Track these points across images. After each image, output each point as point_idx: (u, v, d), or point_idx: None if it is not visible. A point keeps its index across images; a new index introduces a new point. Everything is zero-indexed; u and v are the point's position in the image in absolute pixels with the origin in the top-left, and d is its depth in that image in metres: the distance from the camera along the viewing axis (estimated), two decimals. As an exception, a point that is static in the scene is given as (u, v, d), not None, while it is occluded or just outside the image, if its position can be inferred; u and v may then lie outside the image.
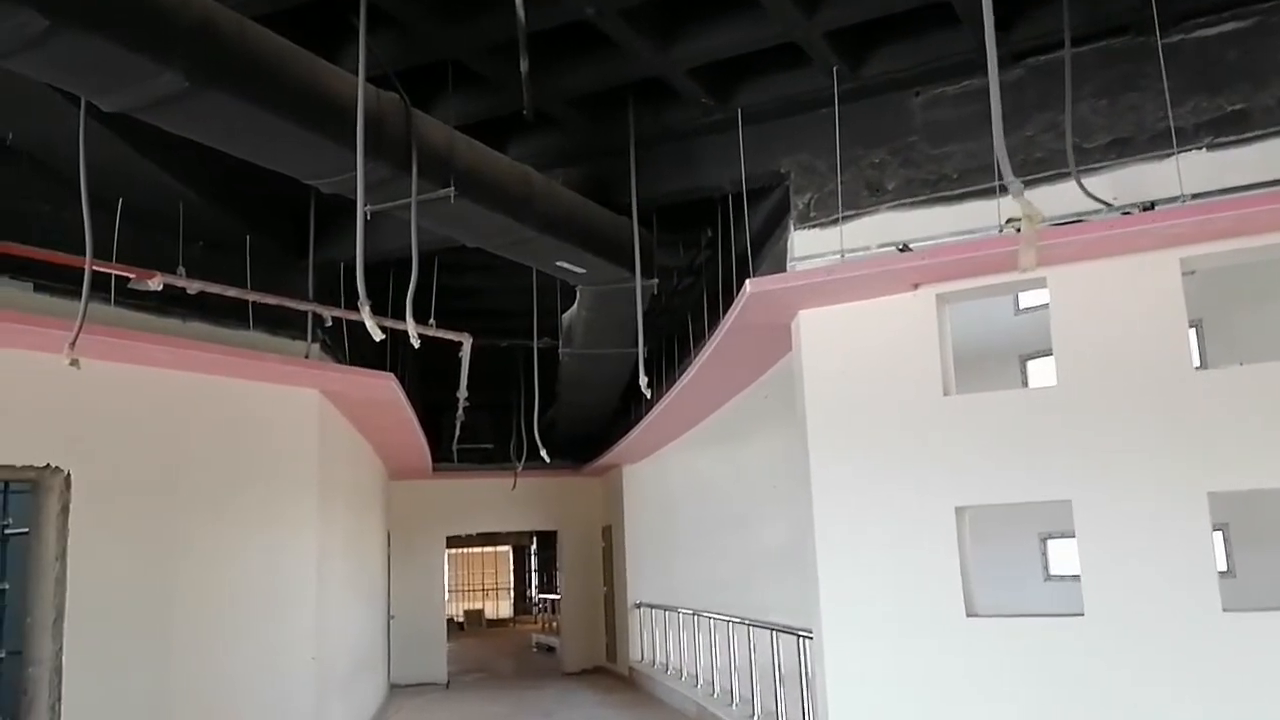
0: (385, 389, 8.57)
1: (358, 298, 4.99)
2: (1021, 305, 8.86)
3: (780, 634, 8.19)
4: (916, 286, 6.31)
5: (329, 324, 7.64)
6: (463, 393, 11.56)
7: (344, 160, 5.11)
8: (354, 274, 4.93)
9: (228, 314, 7.71)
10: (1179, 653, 5.31)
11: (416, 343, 5.22)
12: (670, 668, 12.85)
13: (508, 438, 15.06)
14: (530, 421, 10.19)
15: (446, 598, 19.42)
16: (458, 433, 14.23)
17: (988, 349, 8.25)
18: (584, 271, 7.30)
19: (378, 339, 4.64)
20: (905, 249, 6.00)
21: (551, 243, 6.66)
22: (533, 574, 32.33)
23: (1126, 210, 5.61)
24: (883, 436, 6.36)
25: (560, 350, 9.92)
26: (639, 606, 14.62)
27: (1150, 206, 5.50)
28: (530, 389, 9.98)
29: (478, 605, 33.35)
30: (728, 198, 7.78)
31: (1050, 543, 9.09)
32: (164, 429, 7.43)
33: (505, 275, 10.18)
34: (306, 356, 7.96)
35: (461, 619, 31.11)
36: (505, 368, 13.07)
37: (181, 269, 6.75)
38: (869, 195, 6.65)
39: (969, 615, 5.93)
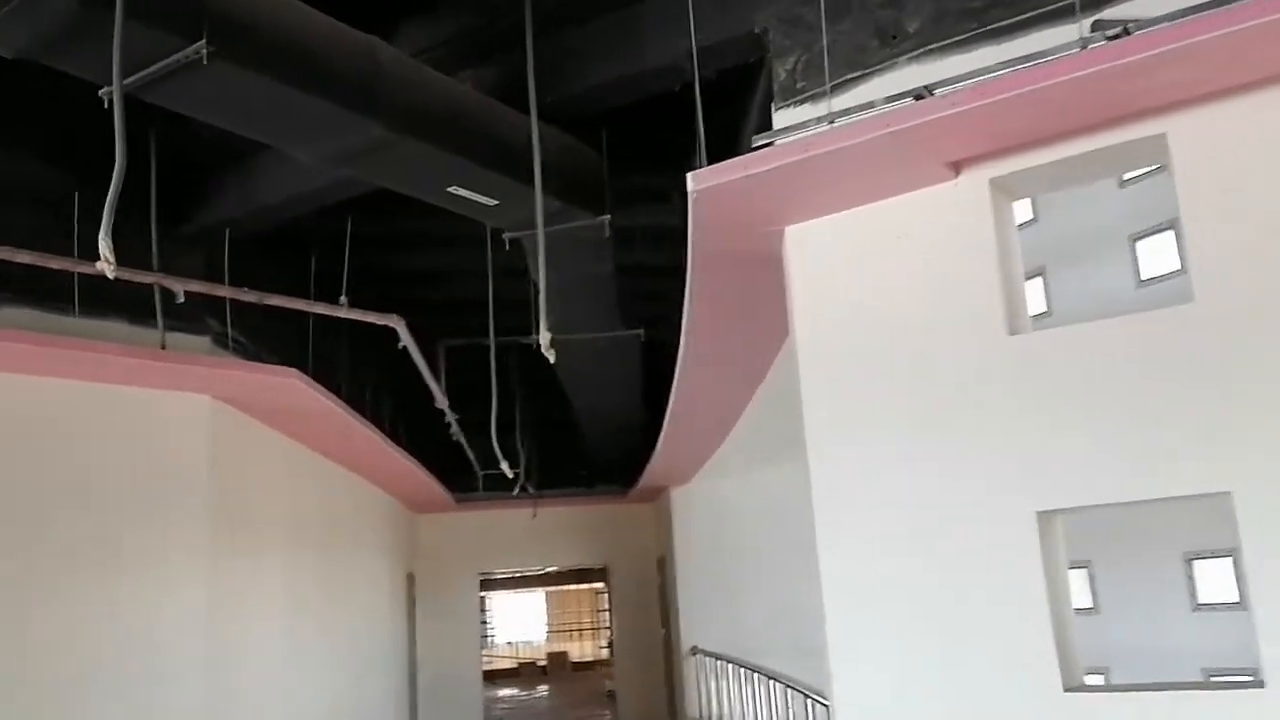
0: (291, 389, 6.58)
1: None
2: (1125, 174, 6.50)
3: (813, 700, 5.90)
4: (958, 170, 4.07)
5: (181, 299, 5.71)
6: (441, 402, 9.62)
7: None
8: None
9: (71, 299, 5.89)
10: None
11: (112, 274, 3.23)
12: (727, 728, 10.54)
13: (540, 460, 13.13)
14: (491, 430, 8.19)
15: (489, 643, 17.51)
16: (469, 454, 12.33)
17: (1083, 232, 5.78)
18: (495, 203, 5.23)
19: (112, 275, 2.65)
20: (926, 95, 3.75)
21: (421, 150, 4.60)
22: (624, 612, 30.12)
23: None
24: (918, 408, 4.10)
25: (533, 341, 7.82)
26: (695, 653, 12.35)
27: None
28: (492, 390, 7.98)
29: (565, 647, 31.39)
30: (698, 97, 5.61)
31: (1198, 564, 6.66)
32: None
33: (471, 253, 8.20)
34: (162, 347, 6.03)
35: (544, 662, 29.20)
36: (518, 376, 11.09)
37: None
38: (881, 46, 4.40)
39: (1067, 690, 3.59)
